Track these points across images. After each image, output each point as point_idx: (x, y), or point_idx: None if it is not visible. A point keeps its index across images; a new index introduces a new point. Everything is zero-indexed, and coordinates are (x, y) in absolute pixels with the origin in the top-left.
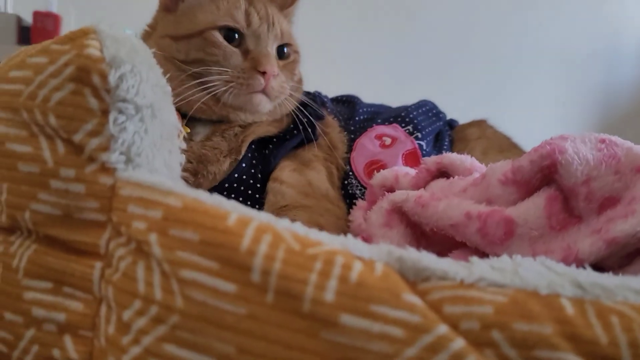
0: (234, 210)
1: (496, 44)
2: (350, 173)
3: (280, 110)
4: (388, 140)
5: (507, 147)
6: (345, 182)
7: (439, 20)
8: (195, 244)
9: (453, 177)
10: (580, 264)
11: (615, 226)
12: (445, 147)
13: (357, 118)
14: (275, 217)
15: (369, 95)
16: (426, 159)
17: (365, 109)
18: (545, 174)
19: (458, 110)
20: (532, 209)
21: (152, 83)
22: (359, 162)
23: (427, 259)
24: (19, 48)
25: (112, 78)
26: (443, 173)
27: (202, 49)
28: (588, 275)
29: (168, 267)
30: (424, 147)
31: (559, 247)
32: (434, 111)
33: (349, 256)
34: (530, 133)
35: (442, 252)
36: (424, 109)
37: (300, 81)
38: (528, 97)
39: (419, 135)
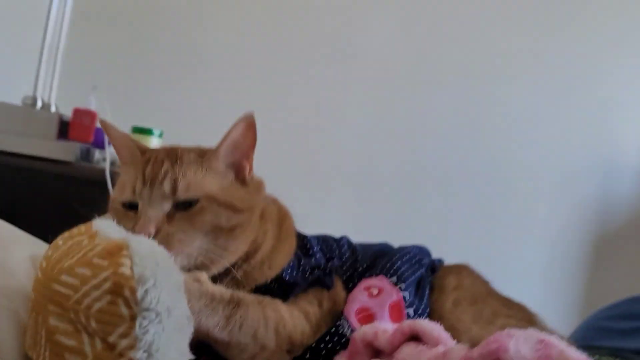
0: None
1: (493, 156)
2: (342, 316)
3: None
4: (375, 291)
5: (480, 298)
6: (338, 323)
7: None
8: None
9: (423, 344)
10: None
11: None
12: (426, 295)
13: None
14: None
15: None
16: (403, 323)
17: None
18: None
19: (460, 219)
20: None
21: (169, 288)
22: (350, 309)
23: None
24: (58, 143)
25: (140, 293)
26: (415, 336)
27: (114, 216)
28: None
29: None
30: (407, 298)
31: None
32: (417, 258)
33: None
34: (524, 251)
35: None
36: (407, 257)
37: (232, 232)
38: (523, 208)
39: (403, 285)
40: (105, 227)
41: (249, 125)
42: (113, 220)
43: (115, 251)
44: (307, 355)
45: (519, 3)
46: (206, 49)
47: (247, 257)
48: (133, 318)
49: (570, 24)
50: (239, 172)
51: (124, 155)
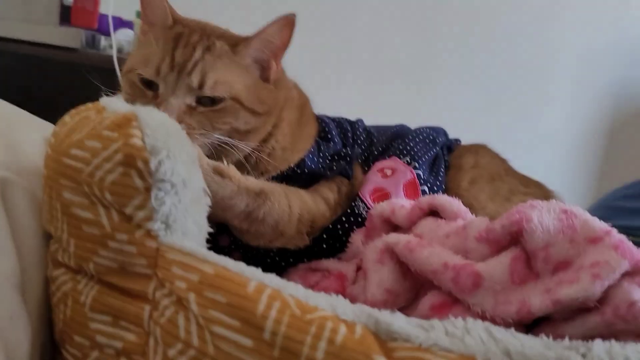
0: (252, 277)
1: (511, 35)
2: (358, 197)
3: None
4: (389, 172)
5: (498, 176)
6: (353, 204)
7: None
8: (223, 305)
9: (441, 218)
10: (531, 316)
11: (562, 289)
12: (441, 173)
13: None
14: (284, 282)
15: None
16: (420, 198)
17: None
18: (513, 237)
19: (477, 102)
20: (498, 267)
21: (183, 160)
22: (365, 190)
23: (397, 323)
24: (61, 29)
25: (153, 164)
26: (433, 211)
27: (127, 86)
28: (517, 344)
29: (203, 321)
30: (422, 176)
31: (516, 300)
32: (431, 137)
33: (336, 320)
34: (543, 125)
35: (424, 289)
36: (420, 137)
37: (248, 132)
38: (542, 90)
39: (417, 164)
40: (113, 103)
41: (287, 24)
42: (123, 92)
43: (125, 123)
44: (324, 236)
45: None
46: None
47: (260, 145)
48: (148, 190)
49: None
50: (266, 69)
51: (152, 15)
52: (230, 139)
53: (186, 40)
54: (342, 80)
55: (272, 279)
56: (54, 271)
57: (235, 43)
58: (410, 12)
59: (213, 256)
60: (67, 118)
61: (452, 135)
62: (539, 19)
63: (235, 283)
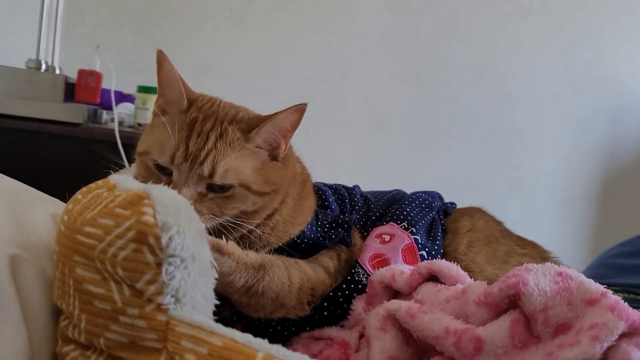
0: (260, 349)
1: (504, 93)
2: (357, 264)
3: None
4: (387, 237)
5: (494, 238)
6: (353, 271)
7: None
8: None
9: (441, 283)
10: None
11: (563, 353)
12: (438, 237)
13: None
14: (291, 352)
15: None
16: (419, 264)
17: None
18: (511, 300)
19: (472, 164)
20: (498, 330)
21: (192, 234)
22: (364, 257)
23: None
24: (65, 105)
25: (164, 240)
26: (433, 276)
27: (142, 168)
28: None
29: None
30: (420, 241)
31: None
32: (427, 202)
33: None
34: (535, 183)
35: (426, 354)
36: (416, 202)
37: (255, 212)
38: (533, 147)
39: (414, 230)
40: (123, 180)
41: (298, 110)
42: (133, 175)
43: (137, 200)
44: (325, 304)
45: None
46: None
47: (265, 220)
48: (159, 265)
49: None
50: (275, 149)
51: (168, 93)
52: (236, 220)
53: (200, 129)
54: (338, 142)
55: (279, 350)
56: (63, 347)
57: (248, 128)
58: (403, 78)
59: (221, 328)
60: (78, 196)
61: (447, 198)
62: (526, 86)
63: (244, 355)
